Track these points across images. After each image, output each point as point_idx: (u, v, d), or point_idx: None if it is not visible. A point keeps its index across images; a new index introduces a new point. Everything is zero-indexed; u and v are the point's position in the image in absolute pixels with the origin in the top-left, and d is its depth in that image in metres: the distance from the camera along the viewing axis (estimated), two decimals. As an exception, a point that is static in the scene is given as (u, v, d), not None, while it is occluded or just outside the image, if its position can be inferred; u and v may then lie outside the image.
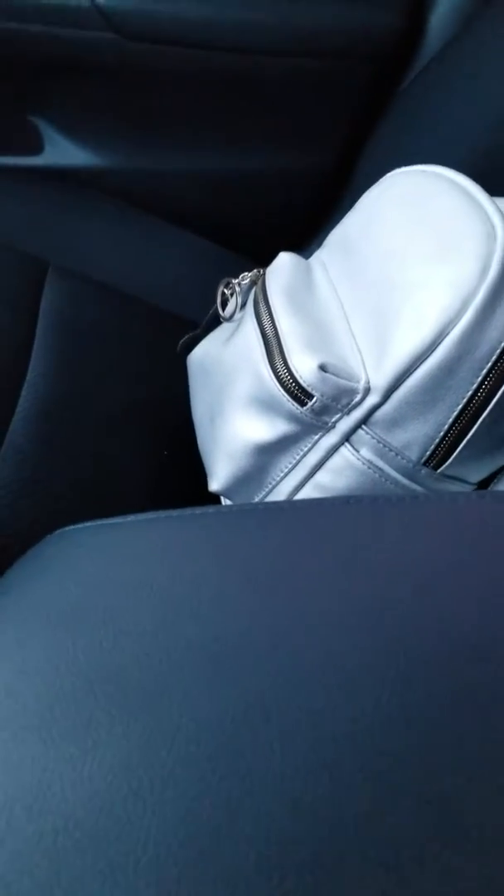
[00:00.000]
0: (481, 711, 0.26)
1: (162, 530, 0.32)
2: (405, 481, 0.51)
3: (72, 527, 0.35)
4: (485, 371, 0.46)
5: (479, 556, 0.30)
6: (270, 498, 0.55)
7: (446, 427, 0.48)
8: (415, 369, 0.47)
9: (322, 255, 0.61)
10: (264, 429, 0.52)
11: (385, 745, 0.25)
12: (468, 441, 0.49)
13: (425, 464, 0.50)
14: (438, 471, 0.50)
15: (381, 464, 0.50)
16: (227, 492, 0.56)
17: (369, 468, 0.50)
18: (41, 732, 0.25)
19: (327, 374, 0.49)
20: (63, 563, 0.32)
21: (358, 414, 0.49)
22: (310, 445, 0.52)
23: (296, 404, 0.50)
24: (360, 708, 0.26)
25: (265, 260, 0.62)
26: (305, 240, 1.00)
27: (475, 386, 0.47)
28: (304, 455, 0.52)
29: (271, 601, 0.28)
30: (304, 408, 0.50)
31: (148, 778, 0.24)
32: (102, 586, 0.30)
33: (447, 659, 0.27)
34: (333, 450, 0.51)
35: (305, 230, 1.00)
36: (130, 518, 0.34)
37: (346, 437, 0.51)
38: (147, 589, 0.29)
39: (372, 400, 0.49)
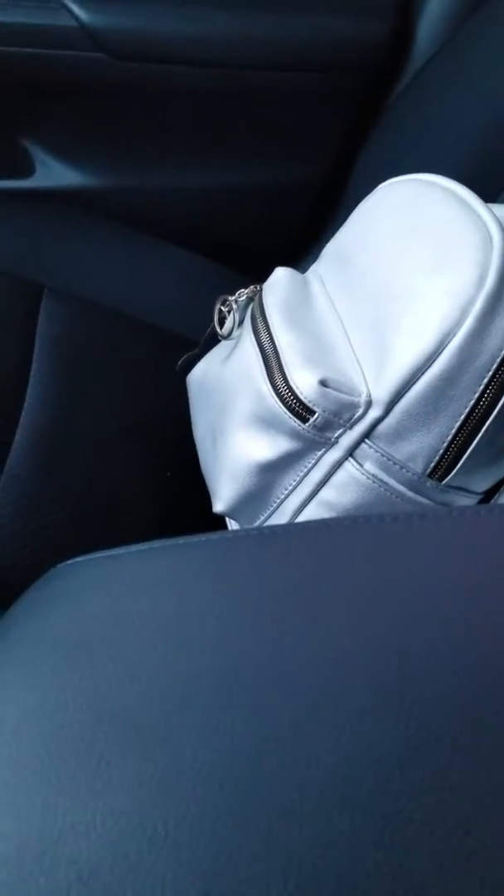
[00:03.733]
0: (497, 739, 0.25)
1: (165, 560, 0.32)
2: (411, 494, 0.50)
3: (72, 560, 0.35)
4: (486, 379, 0.46)
5: (491, 571, 0.30)
6: (275, 516, 0.54)
7: (450, 437, 0.48)
8: (416, 380, 0.47)
9: (319, 269, 0.61)
10: (266, 447, 0.52)
11: (404, 772, 0.24)
12: (472, 451, 0.48)
13: (430, 475, 0.50)
14: (444, 482, 0.50)
15: (385, 477, 0.50)
16: (232, 512, 0.56)
17: (374, 482, 0.50)
18: (50, 777, 0.24)
19: (328, 389, 0.48)
20: (66, 598, 0.32)
21: (360, 428, 0.49)
22: (313, 462, 0.51)
23: (297, 421, 0.49)
24: (379, 738, 0.25)
25: (262, 275, 0.62)
26: (301, 253, 1.00)
27: (477, 395, 0.46)
28: (308, 472, 0.51)
29: (281, 630, 0.28)
30: (306, 424, 0.49)
31: (162, 821, 0.23)
32: (107, 621, 0.29)
33: (465, 683, 0.26)
34: (337, 465, 0.51)
35: (301, 243, 1.00)
36: (133, 548, 0.33)
37: (350, 452, 0.50)
38: (152, 621, 0.28)
39: (374, 413, 0.48)
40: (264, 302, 0.57)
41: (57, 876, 0.22)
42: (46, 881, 0.22)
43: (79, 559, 0.34)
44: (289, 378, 0.50)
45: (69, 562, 0.35)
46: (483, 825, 0.23)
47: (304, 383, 0.49)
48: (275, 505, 0.54)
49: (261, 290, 0.60)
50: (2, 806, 0.25)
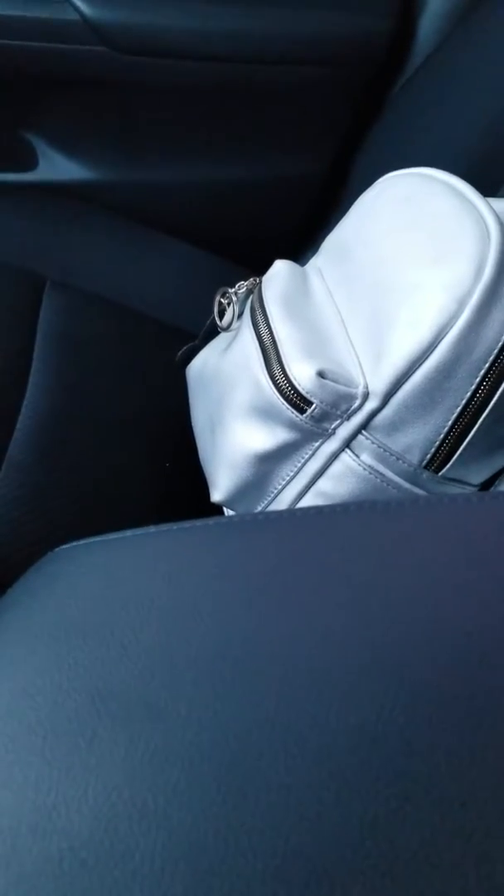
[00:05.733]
0: (486, 716, 0.25)
1: (161, 544, 0.32)
2: (407, 485, 0.50)
3: (71, 544, 0.35)
4: (483, 372, 0.46)
5: (481, 558, 0.30)
6: (272, 506, 0.55)
7: (446, 429, 0.48)
8: (413, 372, 0.47)
9: (318, 262, 0.61)
10: (264, 437, 0.52)
11: (391, 752, 0.25)
12: (469, 443, 0.49)
13: (426, 467, 0.50)
14: (440, 473, 0.50)
15: (382, 469, 0.50)
16: (229, 502, 0.56)
17: (371, 473, 0.50)
18: (44, 752, 0.25)
19: (326, 381, 0.49)
20: (63, 581, 0.32)
21: (357, 419, 0.49)
22: (310, 453, 0.51)
23: (295, 412, 0.50)
24: (366, 716, 0.26)
25: (262, 268, 0.62)
26: (301, 246, 1.00)
27: (473, 387, 0.47)
28: (305, 463, 0.52)
29: (273, 612, 0.28)
30: (304, 415, 0.50)
31: (153, 795, 0.24)
32: (103, 603, 0.30)
33: (452, 664, 0.27)
34: (334, 456, 0.51)
35: (301, 237, 1.01)
36: (129, 533, 0.33)
37: (347, 443, 0.50)
38: (148, 604, 0.29)
39: (371, 405, 0.49)
40: (264, 294, 0.57)
41: (49, 847, 0.23)
42: (39, 852, 0.23)
43: (76, 543, 0.35)
44: (287, 369, 0.50)
45: (66, 546, 0.35)
46: (473, 802, 0.24)
47: (302, 375, 0.49)
48: (272, 495, 0.54)
49: (260, 282, 0.60)
50: (-3, 780, 0.25)
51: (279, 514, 0.32)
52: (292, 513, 0.33)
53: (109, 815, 0.23)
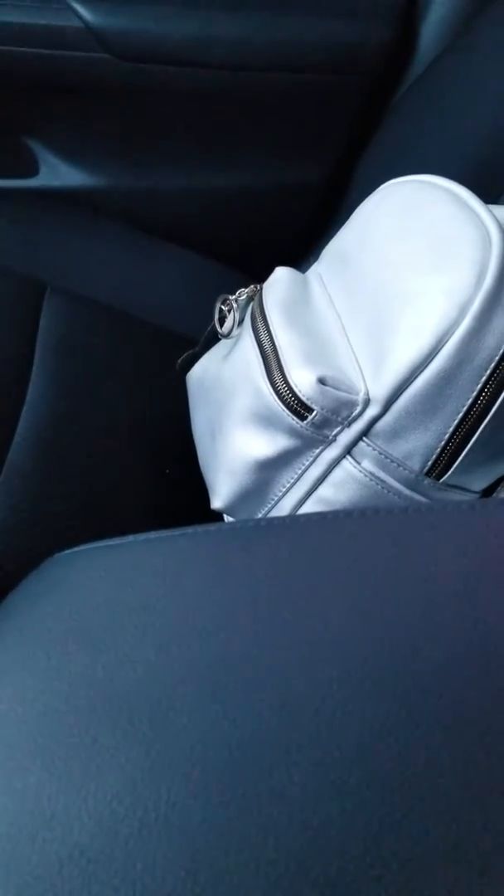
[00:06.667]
0: (489, 726, 0.25)
1: (161, 550, 0.32)
2: (408, 492, 0.50)
3: (71, 550, 0.35)
4: (484, 378, 0.46)
5: (483, 566, 0.30)
6: (273, 513, 0.55)
7: (447, 436, 0.48)
8: (414, 379, 0.47)
9: (319, 268, 0.61)
10: (265, 444, 0.52)
11: (393, 763, 0.25)
12: (470, 449, 0.48)
13: (428, 474, 0.50)
14: (441, 480, 0.50)
15: (383, 475, 0.50)
16: (230, 509, 0.56)
17: (371, 480, 0.50)
18: (44, 759, 0.25)
19: (326, 388, 0.49)
20: (63, 587, 0.32)
21: (358, 426, 0.49)
22: (311, 459, 0.51)
23: (296, 419, 0.50)
24: (367, 727, 0.25)
25: (263, 275, 0.62)
26: (302, 253, 1.00)
27: (475, 394, 0.47)
28: (306, 469, 0.52)
29: (273, 619, 0.28)
30: (305, 422, 0.50)
31: (153, 803, 0.23)
32: (103, 609, 0.29)
33: (454, 674, 0.27)
34: (335, 463, 0.51)
35: (302, 243, 1.01)
36: (129, 539, 0.33)
37: (348, 450, 0.50)
38: (147, 611, 0.29)
39: (372, 411, 0.49)
40: (264, 301, 0.57)
41: (49, 855, 0.23)
42: (39, 860, 0.23)
43: (75, 549, 0.35)
44: (288, 376, 0.50)
45: (66, 552, 0.35)
46: (476, 812, 0.24)
47: (303, 381, 0.49)
48: (273, 502, 0.54)
49: (261, 289, 0.60)
50: (-4, 788, 0.25)
51: (280, 520, 0.32)
52: (293, 519, 0.33)
53: (110, 822, 0.23)
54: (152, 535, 0.33)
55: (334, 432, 0.50)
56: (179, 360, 0.69)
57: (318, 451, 0.51)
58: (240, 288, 0.62)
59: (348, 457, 0.51)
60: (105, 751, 0.25)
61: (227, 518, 0.59)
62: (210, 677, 0.27)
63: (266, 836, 0.23)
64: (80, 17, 0.81)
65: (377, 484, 0.50)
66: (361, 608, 0.28)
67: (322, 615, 0.28)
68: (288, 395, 0.50)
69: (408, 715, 0.26)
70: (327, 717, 0.26)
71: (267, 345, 0.53)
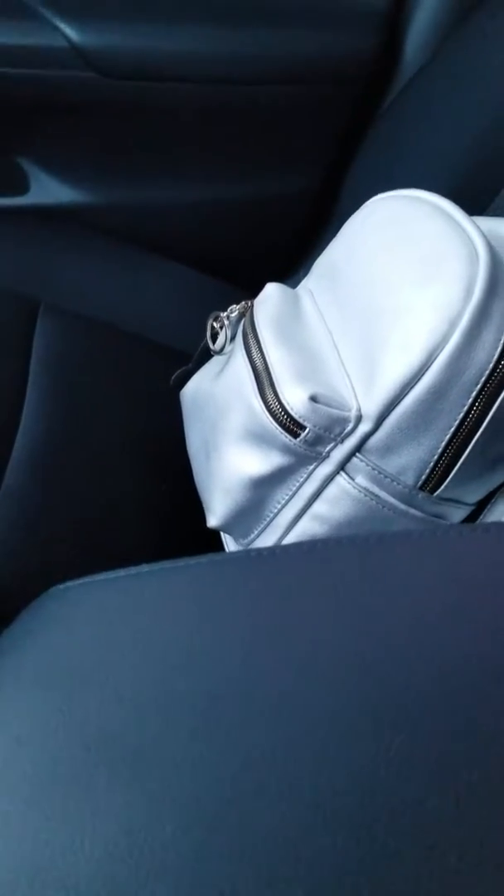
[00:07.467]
0: (482, 754, 0.25)
1: (151, 584, 0.32)
2: (403, 507, 0.50)
3: (65, 584, 0.35)
4: (475, 393, 0.46)
5: (476, 593, 0.30)
6: (269, 530, 0.55)
7: (440, 450, 0.48)
8: (405, 395, 0.47)
9: (309, 284, 0.61)
10: (259, 462, 0.52)
11: (389, 793, 0.25)
12: (463, 463, 0.49)
13: (421, 488, 0.50)
14: (435, 494, 0.50)
15: (377, 490, 0.50)
16: (226, 527, 0.56)
17: (366, 495, 0.50)
18: (41, 803, 0.25)
19: (318, 405, 0.49)
20: (58, 624, 0.32)
21: (351, 442, 0.49)
22: (305, 476, 0.52)
23: (289, 436, 0.50)
24: (361, 758, 0.26)
25: (256, 288, 0.62)
26: (294, 265, 1.00)
27: (466, 408, 0.47)
28: (300, 486, 0.52)
29: (267, 651, 0.28)
30: (297, 439, 0.50)
31: (149, 844, 0.24)
32: (97, 646, 0.30)
33: (450, 700, 0.27)
34: (329, 479, 0.51)
35: (293, 256, 1.01)
36: (122, 573, 0.33)
37: (341, 466, 0.51)
38: (141, 646, 0.29)
39: (364, 427, 0.49)
40: (255, 318, 0.57)
41: (47, 899, 0.23)
42: (37, 905, 0.23)
43: (69, 584, 0.35)
44: (279, 394, 0.50)
45: (61, 586, 0.35)
46: (471, 845, 0.24)
47: (295, 399, 0.49)
48: (268, 519, 0.54)
49: (252, 305, 0.60)
50: (-6, 831, 0.25)
51: (271, 550, 0.32)
52: (284, 549, 0.33)
53: (107, 865, 0.23)
54: (144, 568, 0.33)
55: (327, 449, 0.50)
56: (173, 377, 0.69)
57: (311, 467, 0.51)
58: (232, 301, 0.62)
59: (342, 473, 0.51)
60: (100, 793, 0.25)
61: (223, 535, 0.60)
62: (203, 713, 0.27)
63: (261, 872, 0.24)
64: (65, 36, 0.81)
65: (371, 499, 0.50)
66: (355, 638, 0.28)
67: (315, 647, 0.28)
68: (280, 412, 0.50)
69: (404, 743, 0.26)
70: (322, 749, 0.26)
71: (259, 362, 0.54)
